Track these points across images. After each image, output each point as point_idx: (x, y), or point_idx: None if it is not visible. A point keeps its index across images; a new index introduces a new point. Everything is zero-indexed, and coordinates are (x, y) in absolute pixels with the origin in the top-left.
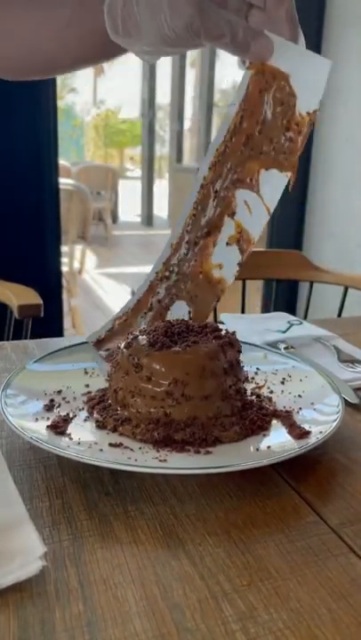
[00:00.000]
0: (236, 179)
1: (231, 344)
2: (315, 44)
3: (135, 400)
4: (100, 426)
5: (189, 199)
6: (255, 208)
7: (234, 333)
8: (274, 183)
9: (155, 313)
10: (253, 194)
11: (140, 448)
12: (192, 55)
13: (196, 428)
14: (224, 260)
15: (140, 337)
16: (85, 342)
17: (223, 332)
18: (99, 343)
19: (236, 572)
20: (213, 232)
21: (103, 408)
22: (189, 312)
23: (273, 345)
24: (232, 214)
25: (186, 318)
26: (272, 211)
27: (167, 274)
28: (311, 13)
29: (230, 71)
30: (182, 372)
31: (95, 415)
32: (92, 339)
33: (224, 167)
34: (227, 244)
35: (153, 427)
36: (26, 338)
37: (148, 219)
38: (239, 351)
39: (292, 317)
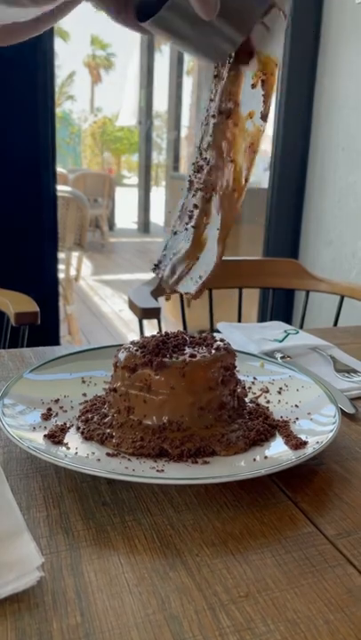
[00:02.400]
0: None
1: (229, 367)
2: (311, 55)
3: (126, 430)
4: (87, 438)
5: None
6: (272, 18)
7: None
8: None
9: (195, 235)
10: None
11: (137, 458)
12: (189, 63)
13: (193, 445)
14: (253, 107)
15: (127, 352)
16: (82, 351)
17: (221, 344)
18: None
19: (234, 583)
20: (234, 109)
21: (86, 420)
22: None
23: (270, 354)
24: (250, 54)
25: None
26: (288, 14)
27: (201, 162)
28: (308, 25)
29: None
30: (177, 415)
31: (81, 428)
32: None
33: None
34: (252, 85)
35: (140, 444)
36: (22, 345)
37: (145, 226)
38: (234, 365)
39: (288, 326)
